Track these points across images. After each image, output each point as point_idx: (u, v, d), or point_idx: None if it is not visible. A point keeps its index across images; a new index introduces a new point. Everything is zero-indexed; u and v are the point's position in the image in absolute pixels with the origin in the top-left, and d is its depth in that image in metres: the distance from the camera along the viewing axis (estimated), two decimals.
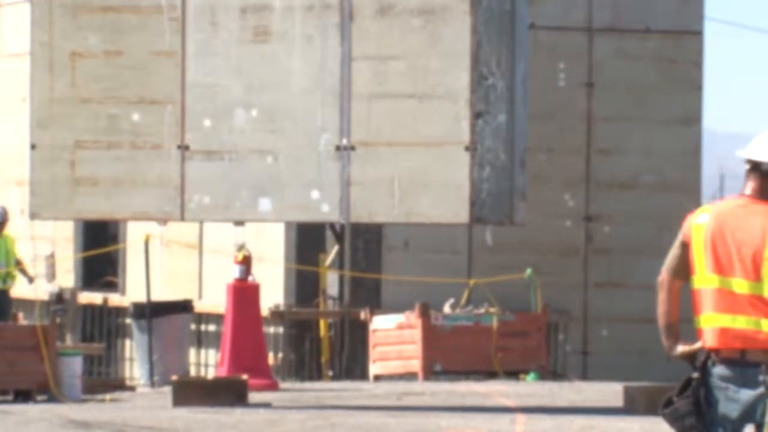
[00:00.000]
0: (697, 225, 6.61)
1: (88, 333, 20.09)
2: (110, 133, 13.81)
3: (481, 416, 13.09)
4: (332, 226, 17.74)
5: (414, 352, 16.98)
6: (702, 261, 6.53)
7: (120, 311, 19.83)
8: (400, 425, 12.35)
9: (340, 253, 18.52)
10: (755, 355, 6.44)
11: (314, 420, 12.75)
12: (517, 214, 14.00)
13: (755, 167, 6.59)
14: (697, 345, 6.55)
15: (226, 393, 13.91)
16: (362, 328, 17.91)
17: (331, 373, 18.08)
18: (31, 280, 18.63)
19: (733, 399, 6.50)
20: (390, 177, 13.47)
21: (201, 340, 19.10)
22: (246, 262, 15.62)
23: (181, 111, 13.70)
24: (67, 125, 13.84)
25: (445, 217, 13.82)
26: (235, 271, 15.60)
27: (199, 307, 18.62)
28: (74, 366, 15.37)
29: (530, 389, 15.83)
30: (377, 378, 17.14)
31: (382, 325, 17.48)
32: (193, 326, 18.51)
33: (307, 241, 18.69)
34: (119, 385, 17.21)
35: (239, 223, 14.83)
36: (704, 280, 6.53)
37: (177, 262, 19.82)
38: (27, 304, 19.00)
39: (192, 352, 18.55)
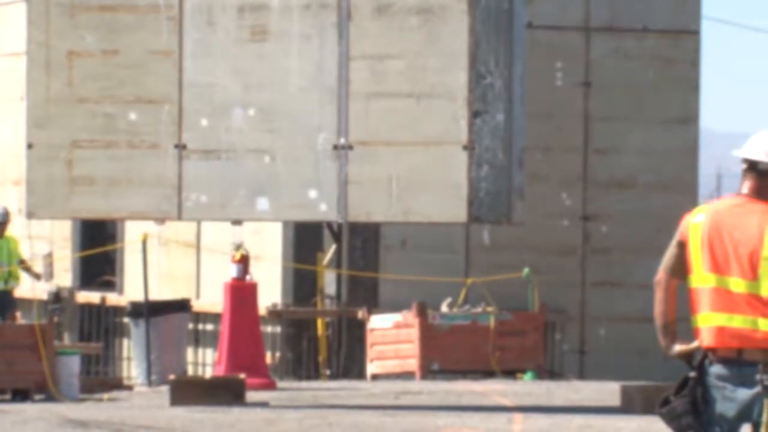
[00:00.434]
0: (694, 224, 6.62)
1: (86, 332, 20.09)
2: (107, 133, 13.80)
3: (479, 415, 13.09)
4: (330, 225, 17.74)
5: (411, 351, 16.99)
6: (699, 260, 6.54)
7: (118, 310, 19.83)
8: (397, 424, 12.35)
9: (338, 253, 18.52)
10: (752, 355, 6.45)
11: (312, 419, 12.75)
12: (514, 213, 14.00)
13: (752, 167, 6.60)
14: (694, 344, 6.56)
15: (223, 392, 13.91)
16: (360, 327, 17.92)
17: (328, 372, 18.08)
18: (38, 277, 18.59)
19: (730, 398, 6.50)
20: (388, 176, 13.47)
21: (198, 340, 19.10)
22: (243, 262, 15.62)
23: (179, 110, 13.70)
24: (64, 124, 13.83)
25: (443, 217, 13.82)
26: (232, 271, 15.60)
27: (197, 306, 18.62)
28: (72, 365, 15.37)
29: (527, 388, 15.83)
30: (375, 377, 17.15)
31: (379, 324, 17.49)
32: (190, 325, 18.51)
33: (304, 240, 18.70)
34: (117, 384, 17.21)
35: (237, 222, 14.83)
36: (701, 279, 6.53)
37: (174, 261, 19.82)
38: (25, 304, 18.98)
39: (190, 352, 18.54)
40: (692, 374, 6.56)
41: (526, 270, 17.83)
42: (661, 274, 6.65)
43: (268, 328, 17.96)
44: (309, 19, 13.53)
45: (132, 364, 18.58)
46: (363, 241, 18.65)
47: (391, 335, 17.30)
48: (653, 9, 19.22)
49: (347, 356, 18.27)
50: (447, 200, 13.43)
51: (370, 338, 17.51)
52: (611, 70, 19.22)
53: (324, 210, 13.79)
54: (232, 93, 13.71)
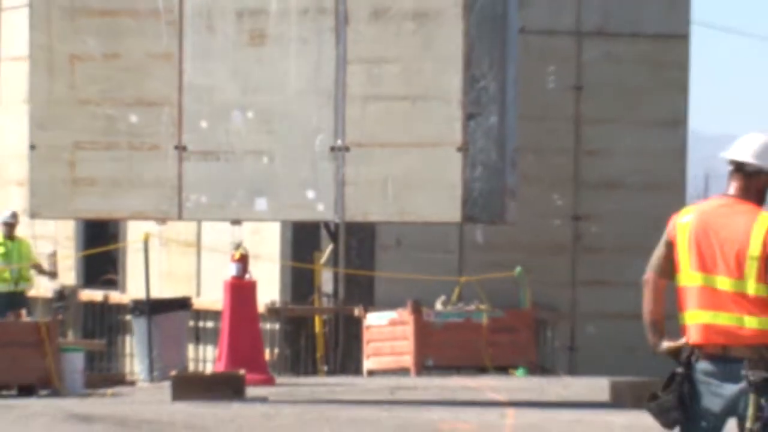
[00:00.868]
0: (682, 224, 6.62)
1: (90, 329, 20.10)
2: (108, 134, 13.80)
3: (472, 410, 13.10)
4: (327, 225, 17.75)
5: (406, 348, 17.00)
6: (687, 259, 6.54)
7: (120, 308, 19.84)
8: (392, 419, 12.36)
9: (335, 252, 18.53)
10: (738, 351, 6.45)
11: (309, 414, 12.76)
12: (507, 213, 14.01)
13: (739, 168, 6.61)
14: (682, 341, 6.56)
15: (223, 388, 13.91)
16: (356, 324, 17.93)
17: (325, 368, 18.09)
18: (52, 275, 18.53)
19: (716, 393, 6.51)
20: (383, 177, 13.48)
21: (199, 337, 19.10)
22: (243, 261, 15.64)
23: (179, 112, 13.70)
24: (65, 126, 13.83)
25: (438, 216, 13.83)
26: (232, 269, 15.62)
27: (198, 304, 18.63)
28: (76, 361, 15.39)
29: (519, 384, 15.85)
30: (371, 373, 17.16)
31: (375, 321, 17.50)
32: (191, 323, 18.52)
33: (302, 239, 18.70)
34: (120, 380, 17.23)
35: (236, 222, 14.83)
36: (689, 277, 6.54)
37: (175, 260, 19.83)
38: (30, 302, 18.96)
39: (191, 348, 18.55)
40: (679, 370, 6.57)
41: (518, 269, 17.84)
42: (649, 273, 6.66)
43: (267, 326, 17.96)
44: (307, 24, 13.53)
45: (134, 361, 18.59)
46: (359, 241, 18.66)
47: (387, 332, 17.31)
48: (643, 14, 19.24)
49: (344, 353, 18.28)
50: (441, 200, 13.44)
51: (366, 335, 17.52)
52: (602, 73, 19.24)
53: (321, 210, 13.80)
54: (231, 95, 13.70)
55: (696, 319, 6.54)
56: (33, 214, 14.77)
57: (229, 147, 13.72)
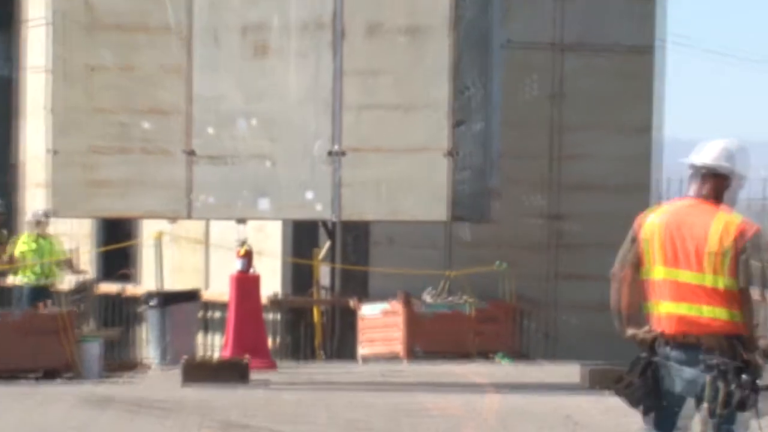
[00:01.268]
0: (650, 223, 6.63)
1: (107, 319, 20.05)
2: (122, 140, 13.77)
3: (458, 394, 13.09)
4: (325, 223, 17.72)
5: (398, 337, 16.99)
6: (653, 255, 6.55)
7: (135, 300, 19.80)
8: (385, 402, 12.34)
9: (332, 248, 18.51)
10: (704, 340, 6.46)
11: (308, 397, 12.75)
12: (491, 212, 14.02)
13: (700, 172, 6.60)
14: (648, 328, 6.57)
15: (229, 373, 13.90)
16: (351, 314, 17.91)
17: (323, 355, 18.06)
18: (80, 272, 18.48)
19: (677, 376, 6.52)
20: (377, 179, 13.46)
21: (207, 326, 19.06)
22: (247, 256, 15.63)
23: (188, 120, 13.67)
24: (83, 132, 13.81)
25: (427, 216, 13.82)
26: (237, 264, 15.62)
27: (206, 296, 18.63)
28: (94, 349, 15.36)
29: (502, 369, 15.85)
30: (365, 359, 17.13)
31: (369, 312, 17.48)
32: (200, 313, 18.49)
33: (302, 237, 18.68)
34: (134, 365, 17.18)
35: (241, 220, 14.82)
36: (655, 271, 6.55)
37: (185, 256, 19.80)
38: (54, 294, 18.91)
39: (199, 336, 18.51)
40: (645, 355, 6.57)
41: (501, 263, 17.81)
42: (617, 267, 6.67)
43: (270, 316, 17.92)
44: (306, 38, 13.50)
45: (148, 348, 18.54)
46: (354, 238, 18.63)
47: (380, 322, 17.30)
48: (616, 30, 19.23)
49: (340, 340, 18.25)
50: (430, 201, 13.43)
51: (360, 325, 17.50)
52: (578, 84, 19.22)
53: (319, 210, 13.78)
54: (236, 104, 13.68)
55: (661, 309, 6.55)
56: (54, 214, 14.82)
57: (234, 152, 13.69)
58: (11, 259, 17.67)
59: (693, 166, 6.64)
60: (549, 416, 11.39)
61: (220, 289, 17.75)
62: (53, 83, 13.99)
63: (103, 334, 17.35)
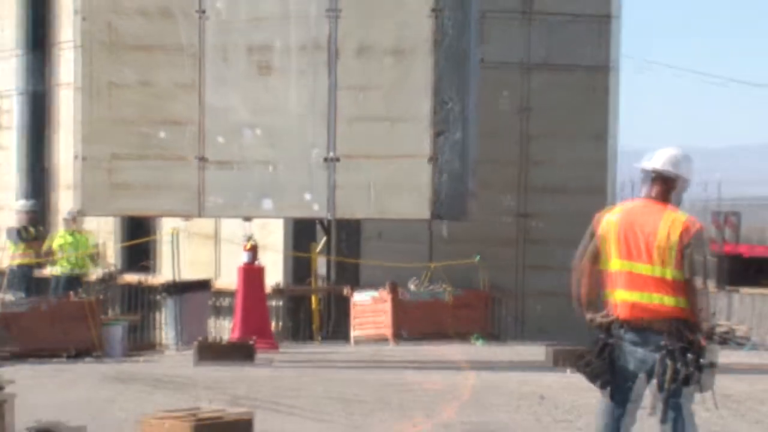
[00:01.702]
0: (608, 221, 6.63)
1: (128, 306, 20.01)
2: (142, 147, 13.74)
3: (438, 371, 13.08)
4: (321, 221, 17.70)
5: (386, 321, 16.98)
6: (612, 249, 6.55)
7: (153, 289, 19.75)
8: (375, 378, 12.33)
9: (328, 243, 18.49)
10: (655, 324, 6.48)
11: (307, 374, 12.73)
12: (468, 211, 14.00)
13: (652, 176, 6.62)
14: (604, 313, 6.57)
15: (237, 353, 13.88)
16: (345, 301, 17.88)
17: (320, 337, 18.04)
18: (104, 266, 18.49)
19: (637, 358, 6.52)
20: (367, 182, 13.45)
21: (218, 312, 19.03)
22: (253, 250, 15.60)
23: (200, 130, 13.64)
24: (106, 141, 13.79)
25: (411, 214, 13.81)
26: (244, 257, 15.59)
27: (217, 285, 18.59)
28: (117, 332, 15.33)
29: (477, 350, 15.85)
30: (357, 341, 17.12)
31: (360, 299, 17.47)
32: (211, 301, 18.45)
33: (301, 233, 18.65)
34: (153, 346, 17.15)
35: (247, 218, 14.80)
36: (616, 265, 6.55)
37: (198, 250, 19.76)
38: (82, 284, 18.85)
39: (211, 321, 18.47)
40: (604, 337, 6.57)
41: (476, 256, 17.82)
42: (578, 260, 6.67)
43: (273, 303, 17.90)
44: (305, 58, 13.49)
45: (165, 331, 18.51)
46: (347, 234, 18.62)
47: (370, 308, 17.28)
48: (578, 50, 19.24)
49: (335, 324, 18.23)
50: (414, 201, 13.42)
51: (353, 310, 17.49)
52: (544, 98, 19.23)
53: (316, 209, 13.76)
54: (243, 116, 13.66)
55: (619, 297, 6.55)
56: (82, 213, 14.79)
57: (241, 158, 13.67)
58: (49, 252, 17.69)
59: (644, 171, 6.66)
60: (518, 391, 11.39)
61: (229, 279, 17.72)
62: (81, 98, 13.96)
63: (125, 319, 17.32)
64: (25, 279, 18.03)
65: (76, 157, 14.00)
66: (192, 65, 13.61)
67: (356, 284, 18.17)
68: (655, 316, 6.44)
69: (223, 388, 11.45)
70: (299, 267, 18.81)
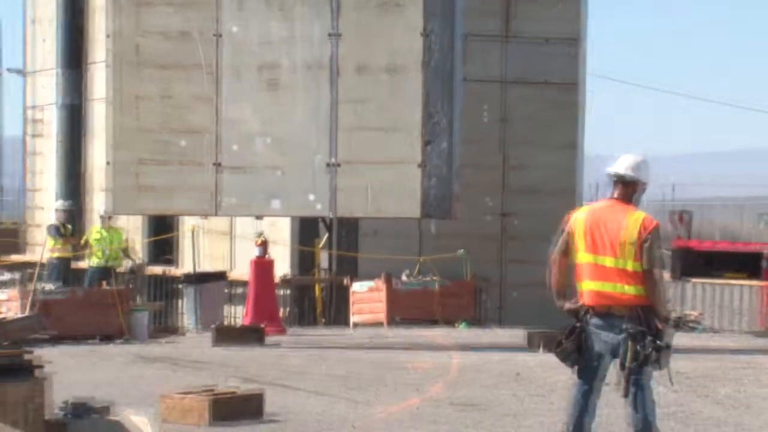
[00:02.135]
0: (577, 219, 6.62)
1: (153, 295, 19.98)
2: (164, 154, 13.71)
3: (428, 353, 13.06)
4: (324, 219, 17.67)
5: (381, 308, 16.95)
6: (582, 244, 6.53)
7: (175, 279, 19.73)
8: (371, 358, 12.31)
9: (329, 239, 18.46)
10: (618, 310, 6.46)
11: (312, 355, 12.70)
12: (453, 211, 13.97)
13: (617, 179, 6.62)
14: (578, 303, 6.55)
15: (250, 336, 13.85)
16: (345, 290, 17.86)
17: (323, 322, 18.01)
18: (133, 261, 18.42)
19: (602, 340, 6.50)
20: (365, 185, 13.42)
21: (232, 299, 19.01)
22: (263, 245, 15.58)
23: (216, 138, 13.61)
24: (132, 148, 13.75)
25: (403, 213, 13.80)
26: (256, 251, 15.58)
27: (231, 276, 18.56)
28: (143, 318, 15.29)
29: (462, 334, 15.83)
30: (355, 325, 17.09)
31: (358, 288, 17.44)
32: (226, 290, 18.41)
33: (306, 229, 18.62)
34: (174, 331, 17.11)
35: (258, 217, 14.76)
36: (583, 257, 6.53)
37: (215, 244, 19.74)
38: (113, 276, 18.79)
39: (226, 308, 18.45)
40: (576, 323, 6.55)
41: (461, 251, 17.80)
42: (554, 254, 6.65)
43: (281, 291, 17.87)
44: (310, 75, 13.46)
45: (185, 317, 18.47)
46: (347, 231, 18.58)
47: (367, 296, 17.26)
48: (550, 68, 19.23)
49: (336, 311, 18.20)
50: (406, 202, 13.39)
51: (352, 298, 17.46)
52: (520, 111, 19.22)
53: (319, 208, 13.74)
54: (254, 127, 13.62)
55: (589, 287, 6.53)
56: (111, 212, 14.75)
57: (252, 163, 13.63)
58: (86, 245, 17.70)
59: (609, 175, 6.65)
60: (497, 369, 11.37)
61: (242, 270, 17.69)
62: (111, 110, 13.92)
63: (150, 306, 17.28)
64: (63, 270, 17.99)
65: (107, 162, 13.96)
66: (209, 81, 13.57)
67: (355, 275, 18.14)
68: (617, 303, 6.43)
69: (237, 367, 11.42)
70: (304, 260, 18.77)
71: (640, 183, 6.59)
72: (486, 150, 18.89)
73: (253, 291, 15.35)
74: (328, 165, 13.46)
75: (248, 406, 8.29)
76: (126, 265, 17.96)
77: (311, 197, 13.56)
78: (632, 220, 6.46)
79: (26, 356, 5.36)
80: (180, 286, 18.92)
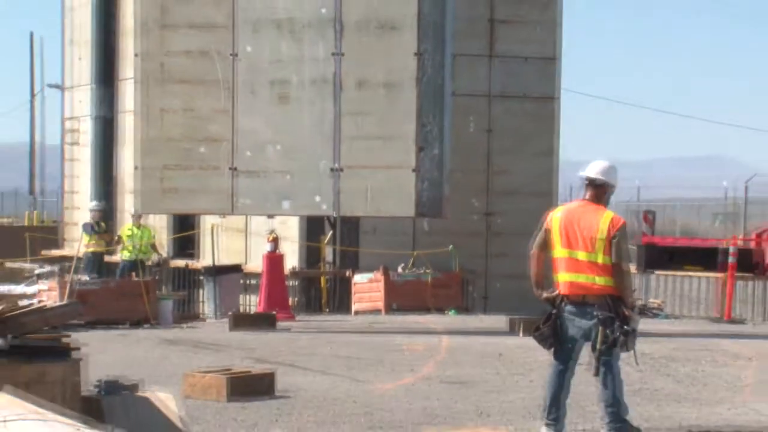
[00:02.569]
0: (555, 217, 6.62)
1: (177, 285, 19.96)
2: (186, 160, 13.70)
3: (421, 336, 13.06)
4: (328, 218, 17.67)
5: (379, 297, 16.95)
6: (558, 240, 6.53)
7: (196, 272, 19.70)
8: (371, 341, 12.31)
9: (333, 235, 18.45)
10: (590, 299, 6.46)
11: (318, 338, 12.70)
12: (444, 211, 13.97)
13: (589, 182, 6.62)
14: (555, 292, 6.54)
15: (262, 322, 13.85)
16: (347, 281, 17.85)
17: (328, 310, 18.00)
18: (160, 255, 18.42)
19: (576, 326, 6.50)
20: (365, 187, 13.41)
21: (247, 289, 19.00)
22: (275, 241, 15.57)
23: (232, 146, 13.60)
24: (157, 155, 13.75)
25: (399, 213, 13.79)
26: (268, 246, 15.56)
27: (246, 268, 18.54)
28: (168, 305, 15.30)
29: (451, 320, 15.83)
30: (356, 312, 17.09)
31: (359, 279, 17.44)
32: (242, 281, 18.40)
33: (312, 227, 18.62)
34: (196, 317, 17.10)
35: (270, 216, 14.75)
36: (559, 252, 6.53)
37: (231, 240, 19.72)
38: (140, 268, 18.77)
39: (241, 297, 18.43)
40: (553, 311, 6.55)
41: (450, 246, 17.79)
42: (533, 249, 6.65)
43: (290, 282, 17.86)
44: (315, 90, 13.45)
45: (205, 305, 18.46)
46: (349, 228, 18.58)
47: (367, 286, 17.25)
48: (530, 83, 19.24)
49: (339, 299, 18.19)
50: (402, 203, 13.39)
51: (353, 288, 17.46)
52: (503, 122, 19.21)
53: (324, 208, 13.73)
54: (266, 136, 13.62)
55: (564, 279, 6.53)
56: (139, 211, 14.75)
57: (264, 168, 13.63)
58: (119, 240, 17.79)
59: (582, 179, 6.66)
60: (482, 351, 11.37)
61: (255, 263, 17.68)
62: (139, 121, 13.91)
63: (174, 295, 17.27)
64: (97, 263, 17.99)
65: (135, 167, 13.95)
66: (226, 95, 13.57)
67: (356, 268, 18.14)
68: (588, 293, 6.43)
69: (251, 349, 11.41)
70: (311, 254, 18.76)
71: (609, 185, 6.61)
72: (473, 157, 18.89)
73: (266, 282, 15.34)
74: (332, 170, 13.45)
75: (261, 384, 8.30)
76: (153, 258, 17.96)
77: (317, 198, 13.55)
78: (602, 219, 6.47)
79: (64, 340, 5.36)
80: (201, 277, 18.90)
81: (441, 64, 13.62)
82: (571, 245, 6.49)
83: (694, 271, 19.57)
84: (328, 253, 18.61)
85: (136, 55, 14.04)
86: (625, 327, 6.35)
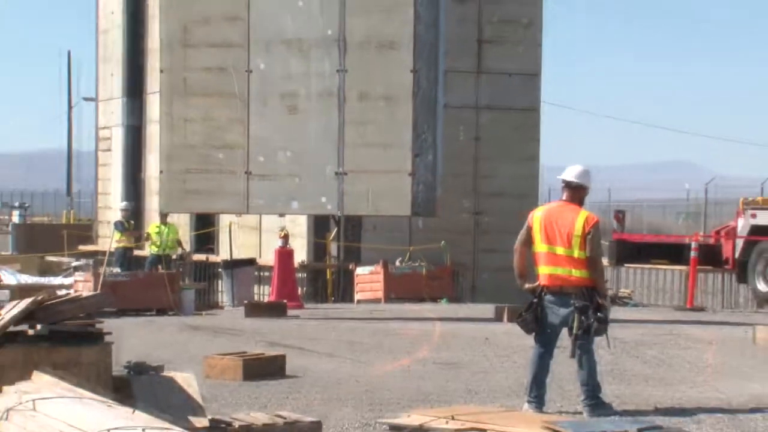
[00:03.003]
0: (536, 216, 6.62)
1: (198, 277, 19.94)
2: (205, 164, 13.69)
3: (416, 323, 13.05)
4: (333, 217, 17.66)
5: (379, 287, 16.95)
6: (539, 236, 6.54)
7: (215, 265, 19.69)
8: (372, 327, 12.30)
9: (338, 232, 18.44)
10: (568, 289, 6.47)
11: (324, 325, 12.69)
12: (437, 210, 13.96)
13: (567, 184, 6.63)
14: (536, 284, 6.55)
15: (274, 310, 13.84)
16: (350, 274, 17.85)
17: (333, 299, 17.99)
18: (183, 250, 18.40)
19: (555, 314, 6.50)
20: (366, 190, 13.40)
21: (260, 281, 18.99)
22: (285, 237, 15.57)
23: (247, 152, 13.59)
24: (180, 160, 13.74)
25: (397, 213, 13.79)
26: (279, 242, 15.53)
27: (260, 262, 18.53)
28: (190, 295, 15.28)
29: (443, 308, 15.82)
30: (359, 301, 17.08)
31: (361, 272, 17.44)
32: (256, 273, 18.39)
33: (319, 225, 18.61)
34: (214, 306, 17.08)
35: (281, 215, 14.75)
36: (540, 247, 6.53)
37: (246, 237, 19.71)
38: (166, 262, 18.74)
39: (255, 287, 18.42)
40: (535, 300, 6.55)
41: (443, 242, 17.79)
42: (517, 245, 6.66)
43: (299, 274, 17.86)
44: (322, 101, 13.44)
45: (223, 295, 18.44)
46: (352, 226, 18.57)
47: (368, 278, 17.25)
48: (514, 96, 19.25)
49: (343, 290, 18.19)
50: (399, 203, 13.39)
51: (356, 280, 17.45)
52: (490, 131, 19.21)
53: (330, 208, 13.72)
54: (277, 143, 13.60)
55: (545, 271, 6.53)
56: (163, 210, 14.73)
57: (276, 172, 13.62)
58: (147, 237, 17.81)
59: (561, 181, 6.66)
60: (471, 336, 11.36)
61: (268, 258, 17.66)
62: (164, 130, 13.91)
63: (195, 286, 17.24)
64: (126, 257, 17.99)
65: (160, 171, 13.95)
66: (241, 107, 13.56)
67: (358, 262, 18.13)
68: (566, 284, 6.44)
69: (264, 335, 11.40)
70: (318, 249, 18.74)
71: (584, 187, 6.62)
72: (463, 162, 18.89)
73: (277, 274, 15.33)
74: (336, 173, 13.44)
75: (273, 365, 8.30)
76: (177, 253, 17.96)
77: (323, 199, 13.55)
78: (579, 217, 6.48)
79: (97, 325, 5.35)
80: (219, 270, 18.88)
81: (434, 79, 13.61)
82: (551, 241, 6.50)
83: (660, 265, 19.61)
84: (333, 248, 18.60)
85: (161, 71, 14.04)
86: (599, 314, 6.36)
